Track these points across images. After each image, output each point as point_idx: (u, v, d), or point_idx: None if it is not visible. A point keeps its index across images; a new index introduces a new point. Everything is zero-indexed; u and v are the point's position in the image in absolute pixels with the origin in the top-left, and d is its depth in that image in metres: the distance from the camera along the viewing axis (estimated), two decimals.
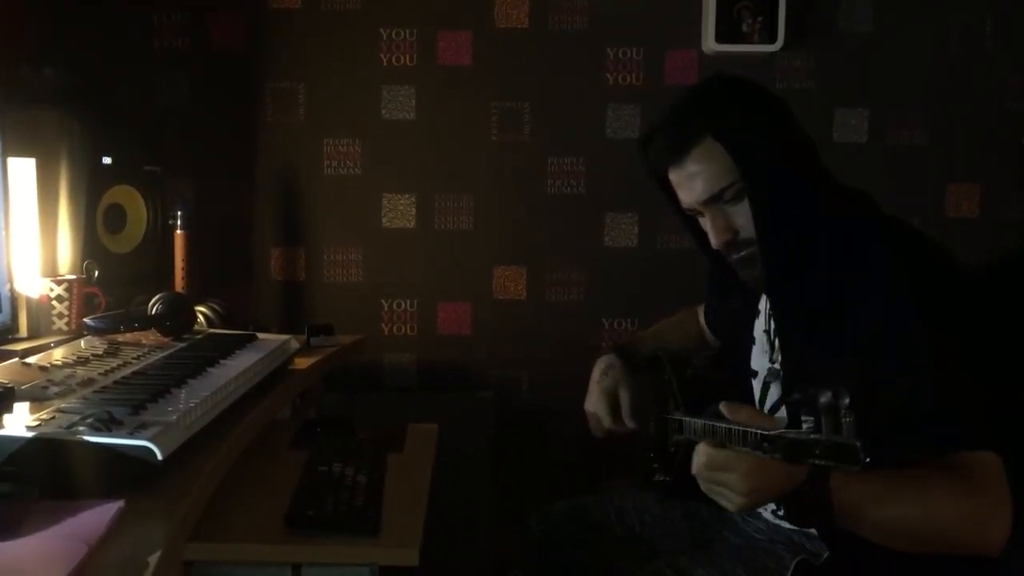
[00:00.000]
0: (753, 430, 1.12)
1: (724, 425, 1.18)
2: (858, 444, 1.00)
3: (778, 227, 1.34)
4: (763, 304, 1.54)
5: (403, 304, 2.79)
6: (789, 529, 1.48)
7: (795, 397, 1.07)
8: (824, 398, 1.03)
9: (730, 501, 1.17)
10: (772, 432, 1.09)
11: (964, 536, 1.19)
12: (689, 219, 1.46)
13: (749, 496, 1.15)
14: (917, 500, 1.17)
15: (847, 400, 1.02)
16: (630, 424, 1.61)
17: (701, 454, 1.19)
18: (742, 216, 1.36)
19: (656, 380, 1.67)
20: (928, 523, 1.18)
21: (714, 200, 1.36)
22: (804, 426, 1.05)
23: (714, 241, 1.39)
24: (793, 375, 1.43)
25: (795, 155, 1.37)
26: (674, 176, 1.40)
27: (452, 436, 2.04)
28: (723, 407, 1.19)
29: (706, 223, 1.40)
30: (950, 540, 1.19)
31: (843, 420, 1.02)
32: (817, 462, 1.04)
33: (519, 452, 2.75)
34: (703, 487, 1.20)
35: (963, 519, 1.18)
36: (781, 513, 1.44)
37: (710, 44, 2.63)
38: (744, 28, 2.62)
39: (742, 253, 1.39)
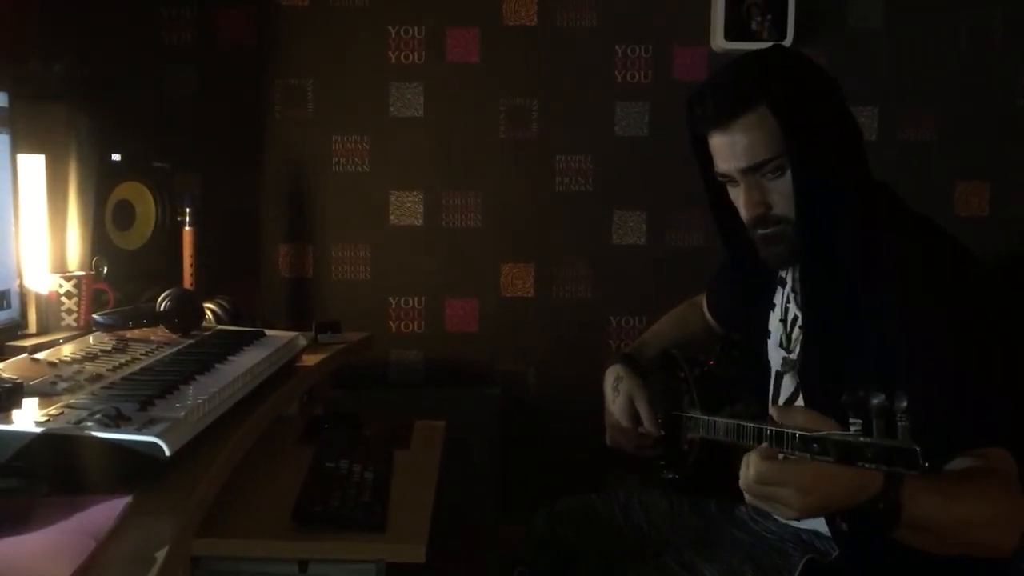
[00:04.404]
0: (790, 431, 1.06)
1: (754, 425, 1.14)
2: (918, 449, 0.95)
3: (817, 209, 1.31)
4: (778, 297, 1.53)
5: (410, 301, 2.79)
6: (798, 527, 1.47)
7: (844, 399, 1.01)
8: (876, 400, 0.98)
9: (788, 508, 1.08)
10: (817, 434, 1.03)
11: (1003, 538, 1.16)
12: (715, 190, 1.44)
13: (808, 508, 1.08)
14: (974, 508, 1.13)
15: (904, 404, 0.96)
16: (654, 431, 1.60)
17: (752, 466, 1.08)
18: (777, 192, 1.34)
19: (669, 378, 1.67)
20: (981, 529, 1.14)
21: (754, 171, 1.34)
22: (852, 428, 1.00)
23: (745, 213, 1.37)
24: (811, 363, 1.40)
25: (843, 139, 1.35)
26: (717, 139, 1.37)
27: (459, 433, 2.04)
28: (773, 411, 1.12)
29: (739, 192, 1.37)
30: (989, 544, 1.16)
31: (898, 424, 0.97)
32: (868, 465, 0.98)
33: (525, 449, 2.75)
34: (750, 500, 1.11)
35: (1005, 522, 1.15)
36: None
37: (719, 42, 2.62)
38: (753, 26, 2.61)
39: (769, 230, 1.37)
